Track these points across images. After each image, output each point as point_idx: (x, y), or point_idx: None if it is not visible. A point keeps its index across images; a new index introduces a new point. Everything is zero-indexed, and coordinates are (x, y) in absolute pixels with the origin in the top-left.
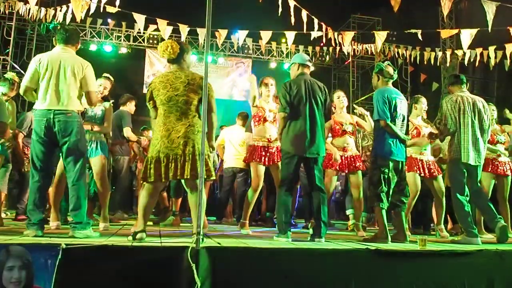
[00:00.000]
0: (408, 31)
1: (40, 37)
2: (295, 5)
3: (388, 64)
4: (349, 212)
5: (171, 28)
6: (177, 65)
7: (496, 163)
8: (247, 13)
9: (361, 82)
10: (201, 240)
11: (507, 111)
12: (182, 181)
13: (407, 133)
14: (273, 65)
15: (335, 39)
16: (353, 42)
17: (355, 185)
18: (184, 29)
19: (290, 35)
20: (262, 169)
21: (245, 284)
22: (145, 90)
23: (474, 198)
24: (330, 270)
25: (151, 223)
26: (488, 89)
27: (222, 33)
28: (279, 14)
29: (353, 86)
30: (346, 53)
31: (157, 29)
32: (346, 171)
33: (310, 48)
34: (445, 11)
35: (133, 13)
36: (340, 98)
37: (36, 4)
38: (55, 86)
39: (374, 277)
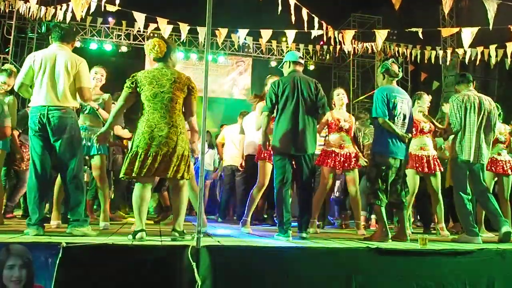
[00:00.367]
0: (409, 29)
1: (40, 36)
2: (295, 4)
3: (393, 62)
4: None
5: (171, 27)
6: (163, 63)
7: (496, 162)
8: (247, 12)
9: (361, 81)
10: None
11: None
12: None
13: (410, 131)
14: (273, 63)
15: (335, 38)
16: (353, 41)
17: (351, 183)
18: (184, 28)
19: (291, 34)
20: (269, 168)
21: (246, 282)
22: None
23: (480, 198)
24: (330, 269)
25: (151, 222)
26: (488, 88)
27: (223, 31)
28: (279, 13)
29: (354, 85)
30: (346, 52)
31: (157, 28)
32: (340, 169)
33: (310, 47)
34: (446, 10)
35: (133, 11)
36: (339, 96)
37: (37, 3)
38: (50, 82)
39: (375, 276)
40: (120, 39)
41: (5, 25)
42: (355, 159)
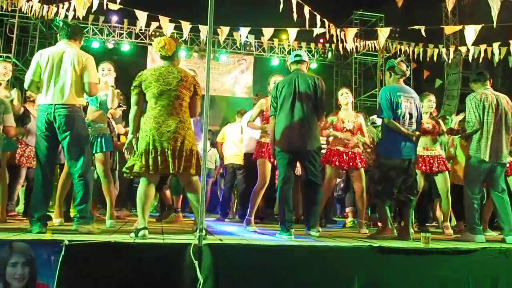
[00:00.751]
0: (411, 27)
1: (43, 35)
2: (297, 2)
3: (401, 61)
4: (348, 209)
5: (173, 25)
6: (170, 61)
7: None
8: (249, 10)
9: (363, 79)
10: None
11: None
12: None
13: (419, 129)
14: (275, 62)
15: (337, 36)
16: (355, 39)
17: (357, 182)
18: (186, 26)
19: (292, 32)
20: (269, 166)
21: (248, 281)
22: None
23: (496, 200)
24: (332, 268)
25: (153, 220)
26: (492, 86)
27: (224, 30)
28: (280, 11)
29: (355, 83)
30: (348, 50)
31: (159, 26)
32: (346, 168)
33: (312, 45)
34: (449, 7)
35: (135, 10)
36: (344, 95)
37: (39, 1)
38: (57, 80)
39: (377, 275)
40: (122, 37)
41: (7, 24)
42: (360, 158)
